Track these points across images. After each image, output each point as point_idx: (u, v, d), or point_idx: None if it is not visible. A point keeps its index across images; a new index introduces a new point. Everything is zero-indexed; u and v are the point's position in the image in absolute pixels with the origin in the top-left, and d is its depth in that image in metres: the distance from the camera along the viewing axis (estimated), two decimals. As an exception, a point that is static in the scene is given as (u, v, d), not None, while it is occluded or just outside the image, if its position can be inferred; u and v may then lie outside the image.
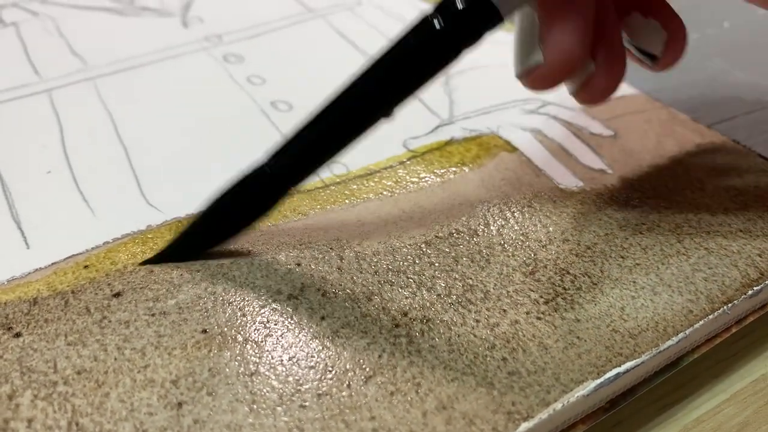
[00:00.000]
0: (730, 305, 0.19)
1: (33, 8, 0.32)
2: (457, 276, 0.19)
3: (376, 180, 0.23)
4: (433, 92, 0.27)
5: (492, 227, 0.21)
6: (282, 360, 0.17)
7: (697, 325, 0.18)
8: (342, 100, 0.18)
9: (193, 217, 0.19)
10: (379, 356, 0.17)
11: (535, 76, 0.19)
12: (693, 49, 0.33)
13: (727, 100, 0.29)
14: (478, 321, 0.18)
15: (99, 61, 0.28)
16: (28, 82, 0.27)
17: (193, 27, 0.31)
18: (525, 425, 0.15)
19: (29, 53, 0.29)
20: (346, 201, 0.22)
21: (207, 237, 0.19)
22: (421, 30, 0.17)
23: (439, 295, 0.19)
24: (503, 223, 0.21)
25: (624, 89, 0.27)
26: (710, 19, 0.35)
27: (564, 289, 0.19)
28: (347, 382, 0.16)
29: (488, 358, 0.17)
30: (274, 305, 0.18)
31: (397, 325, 0.18)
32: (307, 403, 0.16)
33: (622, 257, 0.20)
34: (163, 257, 0.19)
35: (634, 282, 0.19)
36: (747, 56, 0.32)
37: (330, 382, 0.16)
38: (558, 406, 0.16)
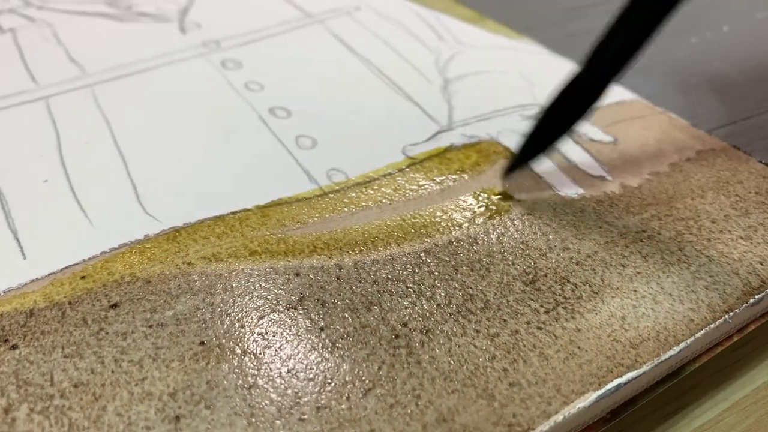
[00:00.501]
0: (731, 314, 0.18)
1: (30, 14, 0.32)
2: (456, 285, 0.19)
3: (375, 188, 0.22)
4: (432, 98, 0.27)
5: (492, 235, 0.21)
6: (281, 372, 0.16)
7: (698, 335, 0.18)
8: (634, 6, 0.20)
9: (530, 126, 0.22)
10: (379, 368, 0.17)
11: None
12: (692, 53, 0.33)
13: (727, 105, 0.29)
14: (478, 331, 0.18)
15: (97, 68, 0.28)
16: (25, 89, 0.27)
17: (190, 33, 0.31)
18: (526, 437, 0.15)
19: (26, 60, 0.28)
20: (345, 209, 0.22)
21: (540, 142, 0.22)
22: None
23: (438, 304, 0.18)
24: (503, 231, 0.21)
25: (623, 95, 0.27)
26: (710, 23, 0.35)
27: (564, 298, 0.19)
28: (346, 395, 0.16)
29: (489, 369, 0.17)
30: (272, 316, 0.18)
31: (396, 336, 0.17)
32: (306, 416, 0.16)
33: (622, 266, 0.20)
34: (510, 169, 0.23)
35: (635, 291, 0.19)
36: (746, 61, 0.32)
37: (329, 394, 0.16)
38: (559, 417, 0.16)
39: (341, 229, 0.21)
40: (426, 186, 0.23)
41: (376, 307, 0.18)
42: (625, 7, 0.20)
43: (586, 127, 0.25)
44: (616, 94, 0.27)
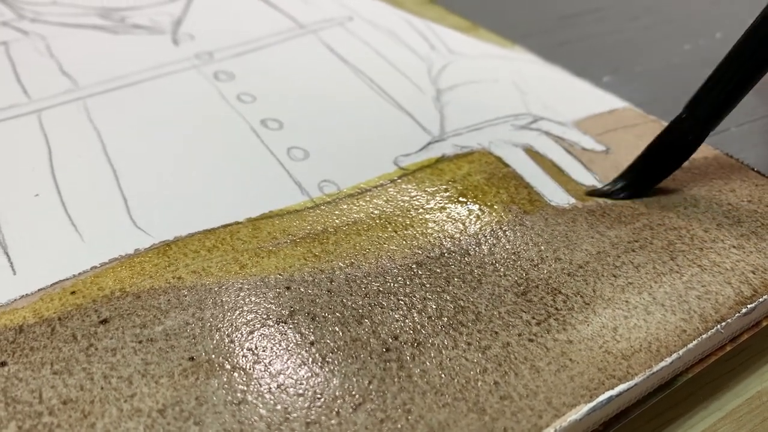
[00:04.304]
0: (723, 324, 0.18)
1: (23, 27, 0.32)
2: (448, 297, 0.19)
3: (367, 199, 0.22)
4: (424, 108, 0.27)
5: (483, 246, 0.21)
6: (270, 387, 0.16)
7: (690, 345, 0.18)
8: (739, 52, 0.21)
9: (632, 163, 0.23)
10: (369, 382, 0.17)
11: None
12: (685, 60, 0.33)
13: (720, 112, 0.29)
14: (469, 344, 0.18)
15: (89, 81, 0.28)
16: (16, 102, 0.27)
17: (183, 44, 0.31)
18: (517, 452, 0.15)
19: (18, 73, 0.28)
20: (337, 221, 0.21)
21: (641, 180, 0.23)
22: None
23: (430, 317, 0.18)
24: (495, 242, 0.21)
25: (616, 103, 0.27)
26: (702, 30, 0.35)
27: (556, 309, 0.19)
28: (336, 410, 0.16)
29: (480, 383, 0.17)
30: (262, 330, 0.18)
31: (387, 350, 0.17)
32: (295, 432, 0.15)
33: (614, 276, 0.20)
34: (599, 193, 0.23)
35: (627, 301, 0.19)
36: (739, 68, 0.32)
37: (319, 410, 0.16)
38: (550, 431, 0.16)
39: (333, 242, 0.21)
40: (418, 197, 0.23)
41: (367, 321, 0.18)
42: (726, 56, 0.21)
43: (578, 136, 0.25)
44: (607, 102, 0.27)
